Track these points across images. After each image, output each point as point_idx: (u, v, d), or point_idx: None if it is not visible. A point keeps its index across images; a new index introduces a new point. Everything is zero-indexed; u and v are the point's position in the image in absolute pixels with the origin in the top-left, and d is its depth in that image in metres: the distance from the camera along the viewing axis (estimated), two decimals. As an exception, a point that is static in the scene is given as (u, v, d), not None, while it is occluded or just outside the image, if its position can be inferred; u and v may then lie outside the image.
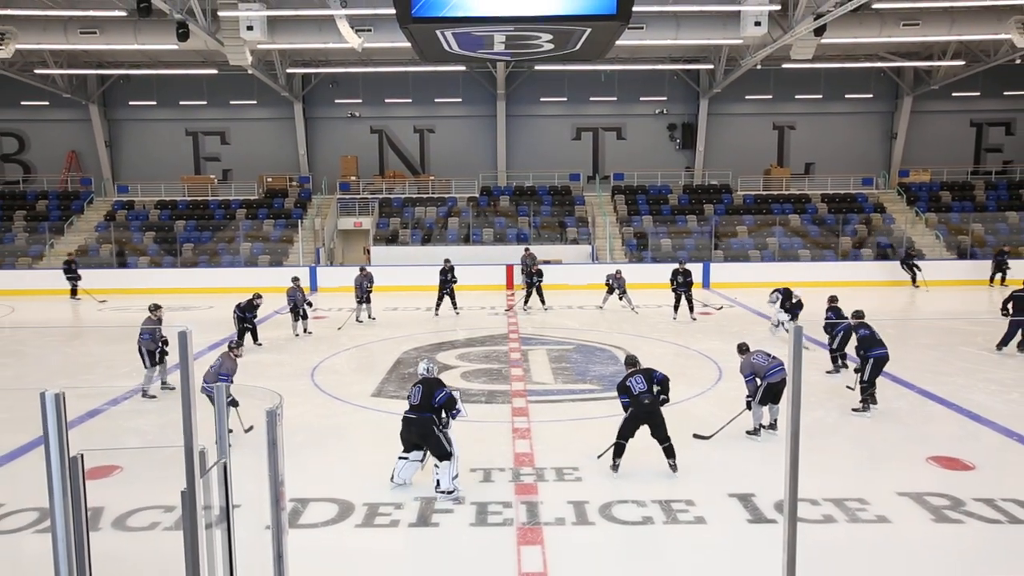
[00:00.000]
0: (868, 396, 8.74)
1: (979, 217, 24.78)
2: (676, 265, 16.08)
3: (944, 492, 6.37)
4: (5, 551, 5.59)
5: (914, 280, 20.64)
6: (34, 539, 5.67)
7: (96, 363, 12.18)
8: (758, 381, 7.67)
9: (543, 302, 17.51)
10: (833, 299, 11.42)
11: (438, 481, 6.37)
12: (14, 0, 18.14)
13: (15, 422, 8.75)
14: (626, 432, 6.74)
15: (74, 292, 20.15)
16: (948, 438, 7.91)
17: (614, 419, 6.95)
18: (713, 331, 14.43)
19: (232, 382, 7.89)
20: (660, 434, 6.74)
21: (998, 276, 20.78)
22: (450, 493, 6.33)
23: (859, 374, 8.77)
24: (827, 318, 10.82)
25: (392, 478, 6.57)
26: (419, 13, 9.71)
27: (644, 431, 6.76)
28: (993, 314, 16.43)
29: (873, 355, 8.64)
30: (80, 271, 20.24)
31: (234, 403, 7.52)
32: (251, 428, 7.61)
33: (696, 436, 7.79)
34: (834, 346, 10.47)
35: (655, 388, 6.72)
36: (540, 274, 17.59)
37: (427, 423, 6.32)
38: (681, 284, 15.51)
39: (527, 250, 19.72)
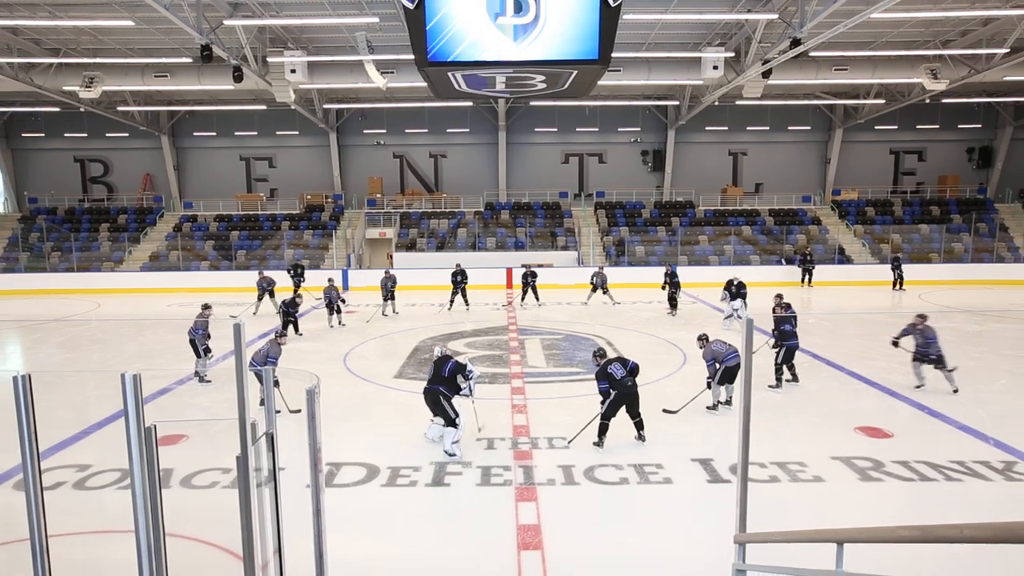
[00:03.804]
0: (780, 376, 8.81)
1: (897, 229, 24.82)
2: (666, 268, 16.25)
3: (868, 456, 6.37)
4: (94, 504, 5.59)
5: (806, 279, 20.46)
6: (116, 494, 5.69)
7: (165, 350, 12.16)
8: (717, 365, 7.66)
9: (537, 299, 17.49)
10: (780, 296, 10.97)
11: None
12: (101, 51, 18.50)
13: (101, 399, 8.78)
14: (610, 414, 6.62)
15: (297, 287, 18.60)
16: (872, 411, 7.90)
17: (597, 397, 6.92)
18: (679, 323, 14.40)
19: (277, 364, 7.92)
20: (634, 411, 6.73)
21: (806, 278, 20.56)
22: (451, 456, 6.32)
23: (776, 358, 8.82)
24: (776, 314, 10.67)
25: (426, 434, 6.75)
26: (434, 58, 9.69)
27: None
28: (906, 308, 16.45)
29: (787, 344, 8.70)
30: (305, 272, 19.12)
31: (276, 383, 7.50)
32: (298, 411, 7.60)
33: (665, 411, 7.80)
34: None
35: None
36: (534, 275, 17.56)
37: (435, 393, 6.33)
38: (672, 284, 15.53)
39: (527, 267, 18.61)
